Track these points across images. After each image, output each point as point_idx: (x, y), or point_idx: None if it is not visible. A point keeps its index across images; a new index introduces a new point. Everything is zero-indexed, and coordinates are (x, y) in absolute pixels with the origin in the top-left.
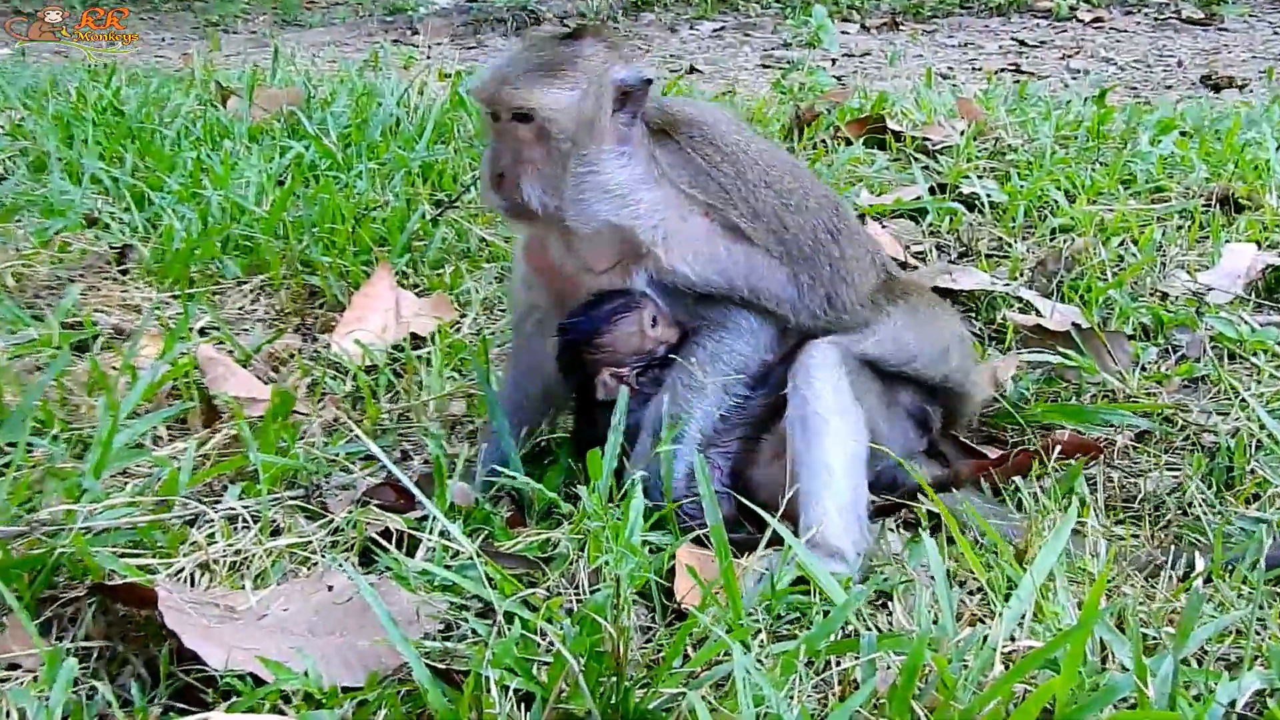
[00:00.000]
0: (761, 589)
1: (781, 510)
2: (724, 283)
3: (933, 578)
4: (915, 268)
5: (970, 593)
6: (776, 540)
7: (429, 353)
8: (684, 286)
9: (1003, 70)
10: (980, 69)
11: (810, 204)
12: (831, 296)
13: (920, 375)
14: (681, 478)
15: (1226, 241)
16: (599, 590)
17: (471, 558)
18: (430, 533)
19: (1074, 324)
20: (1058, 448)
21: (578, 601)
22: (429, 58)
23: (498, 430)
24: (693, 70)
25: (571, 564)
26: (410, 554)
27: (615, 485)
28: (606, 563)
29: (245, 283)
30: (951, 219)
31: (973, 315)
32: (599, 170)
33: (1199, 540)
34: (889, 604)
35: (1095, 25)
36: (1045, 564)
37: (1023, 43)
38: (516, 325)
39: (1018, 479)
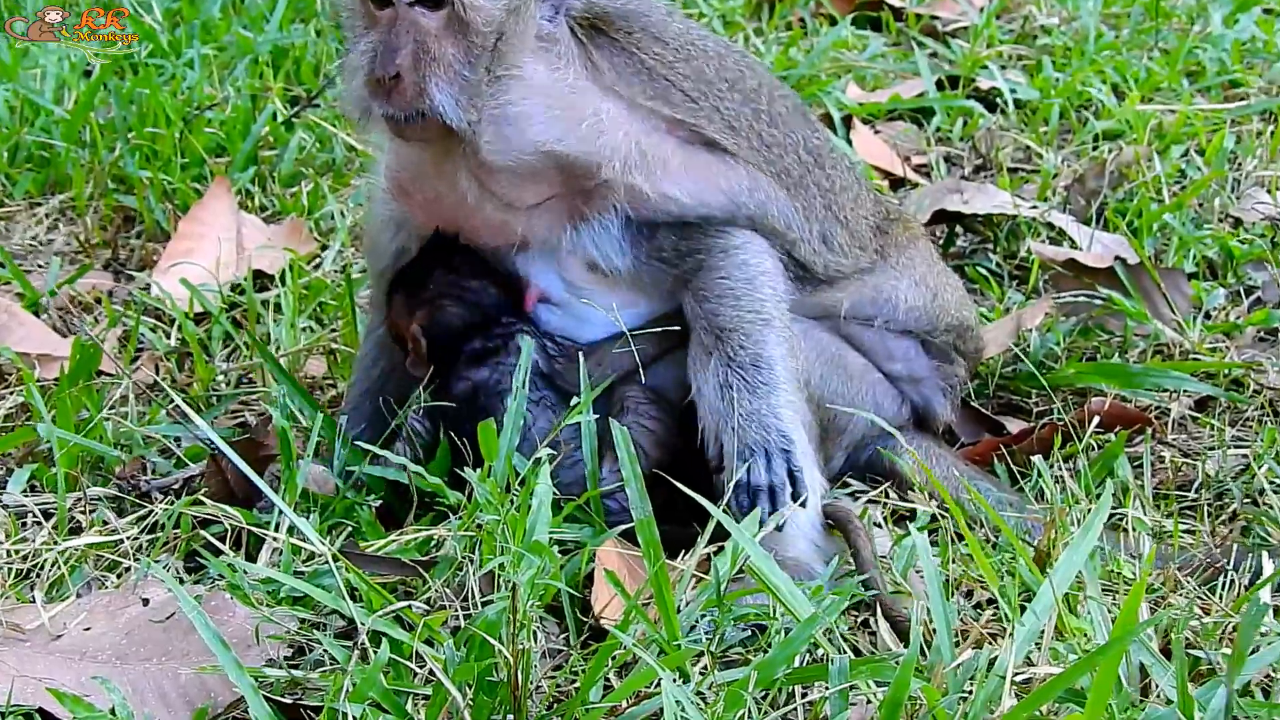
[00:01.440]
0: (705, 600)
1: (725, 501)
2: (727, 202)
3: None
4: (915, 185)
5: (978, 605)
6: (721, 536)
7: (278, 296)
8: (672, 218)
9: None
10: None
11: (781, 111)
12: (826, 236)
13: (917, 333)
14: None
15: None
16: (492, 603)
17: (328, 562)
18: (276, 530)
19: (1119, 258)
20: (1094, 419)
21: (465, 617)
22: None
23: (364, 396)
24: None
25: (459, 569)
26: (250, 558)
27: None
28: (502, 567)
29: (39, 204)
30: (965, 122)
31: (988, 246)
32: (526, 78)
33: (1269, 538)
34: (871, 621)
35: None
36: (1070, 567)
37: None
38: (379, 278)
39: (1039, 459)
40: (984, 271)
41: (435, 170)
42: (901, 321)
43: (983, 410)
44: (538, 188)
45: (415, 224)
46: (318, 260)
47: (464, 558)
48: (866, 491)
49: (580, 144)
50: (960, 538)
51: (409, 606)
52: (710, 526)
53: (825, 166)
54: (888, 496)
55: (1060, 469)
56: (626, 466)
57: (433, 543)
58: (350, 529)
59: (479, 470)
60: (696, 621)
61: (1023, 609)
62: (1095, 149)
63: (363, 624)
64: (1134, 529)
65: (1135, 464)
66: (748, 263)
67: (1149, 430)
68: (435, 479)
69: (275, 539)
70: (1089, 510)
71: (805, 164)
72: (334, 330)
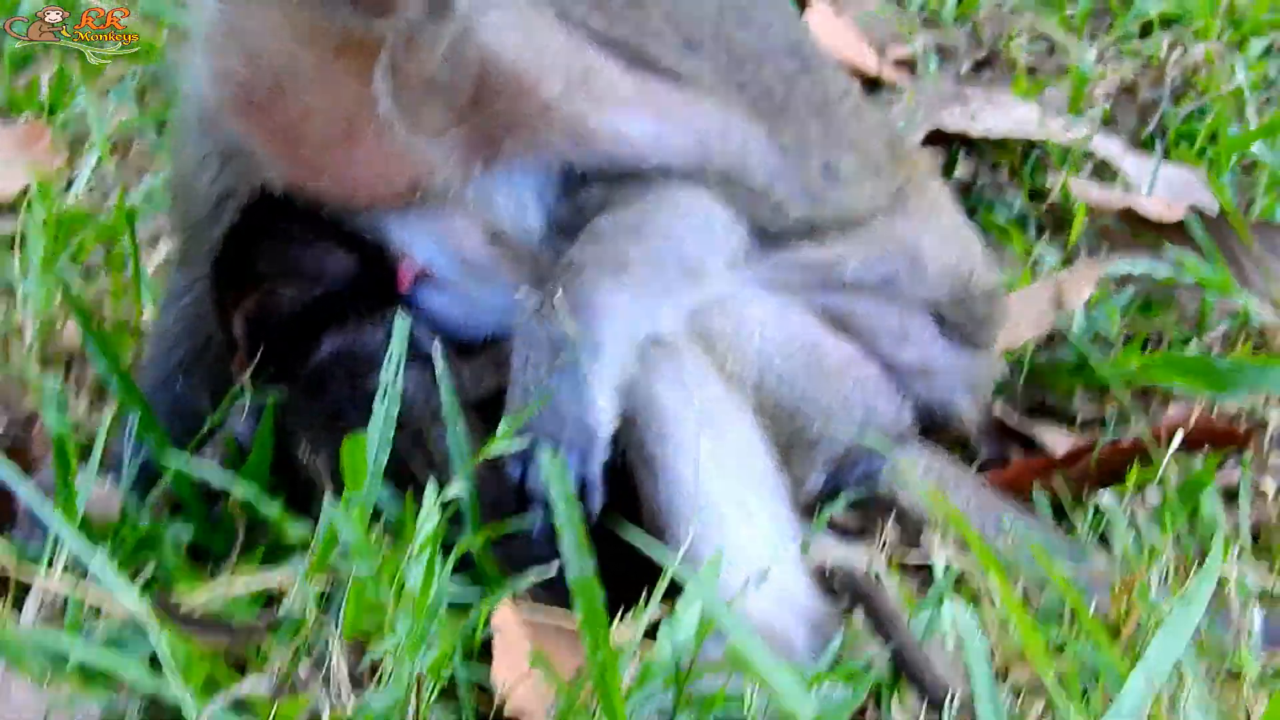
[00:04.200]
0: (657, 682)
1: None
2: (694, 146)
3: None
4: (896, 90)
5: (1018, 694)
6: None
7: (18, 230)
8: (615, 167)
9: None
10: None
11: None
12: (830, 164)
13: (941, 307)
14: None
15: None
16: (379, 692)
17: (134, 620)
18: (49, 568)
19: (1193, 208)
20: (1175, 436)
21: (332, 706)
22: None
23: (161, 385)
24: None
25: (312, 636)
26: (16, 606)
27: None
28: (396, 648)
29: None
30: None
31: (1005, 180)
32: None
33: None
34: (879, 711)
35: None
36: (1166, 656)
37: None
38: (193, 230)
39: (1108, 496)
40: (1000, 217)
41: (325, 70)
42: (929, 288)
43: (1006, 417)
44: (446, 111)
45: (255, 158)
46: (69, 181)
47: (319, 620)
48: (854, 530)
49: (518, 51)
50: (988, 597)
51: (250, 691)
52: (662, 584)
53: (813, 69)
54: (882, 534)
55: (1128, 504)
56: (561, 508)
57: (273, 596)
58: (151, 572)
59: (342, 499)
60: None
61: (1084, 698)
62: (1145, 40)
63: (192, 713)
64: (1236, 592)
65: (1229, 497)
66: (650, 214)
67: (1247, 449)
68: (273, 508)
69: (46, 582)
70: (1172, 565)
71: (789, 75)
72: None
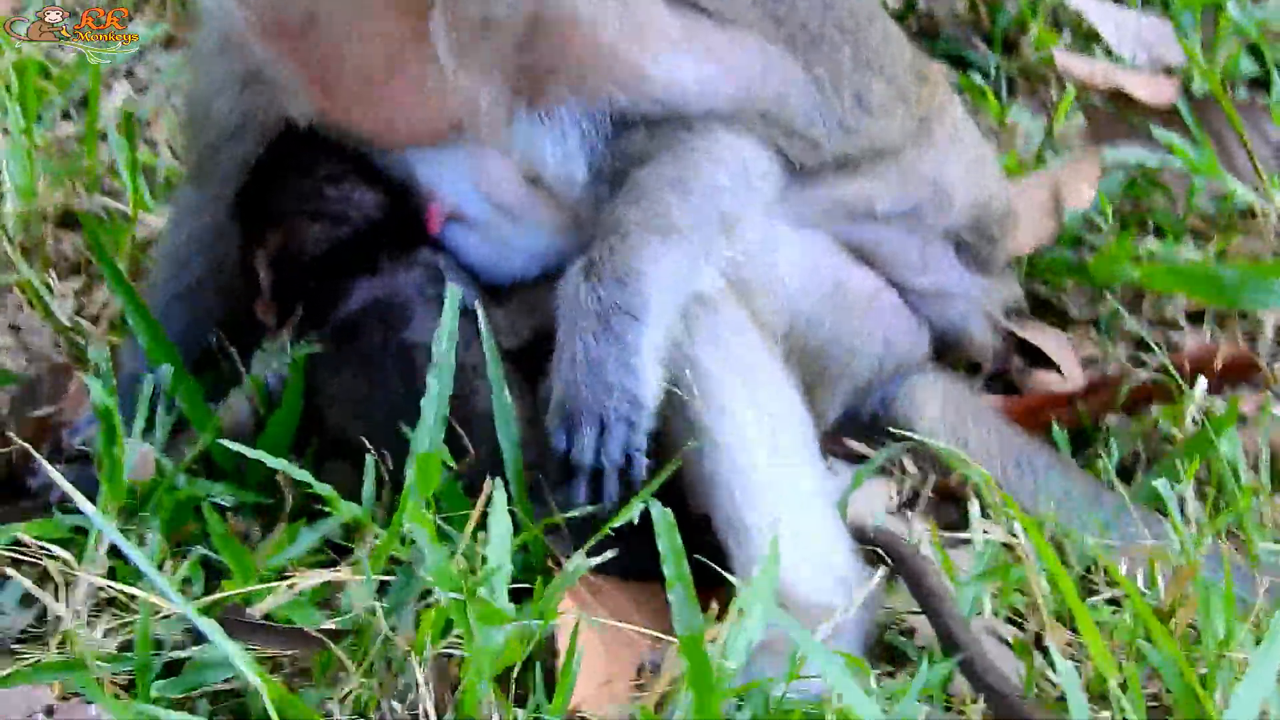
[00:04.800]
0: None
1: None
2: (738, 91)
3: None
4: None
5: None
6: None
7: None
8: (664, 112)
9: None
10: None
11: None
12: (861, 94)
13: (961, 234)
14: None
15: None
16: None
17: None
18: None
19: (1187, 93)
20: (1205, 372)
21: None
22: None
23: (172, 302)
24: None
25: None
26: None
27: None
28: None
29: None
30: None
31: (973, 36)
32: None
33: None
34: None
35: None
36: (1257, 693)
37: None
38: (209, 150)
39: (1163, 485)
40: (975, 78)
41: None
42: (952, 218)
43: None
44: (496, 49)
45: (281, 86)
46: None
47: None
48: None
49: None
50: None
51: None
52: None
53: None
54: (904, 469)
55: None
56: (669, 554)
57: (332, 594)
58: (193, 546)
59: (403, 494)
60: None
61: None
62: None
63: None
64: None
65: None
66: (695, 166)
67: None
68: (325, 486)
69: (91, 575)
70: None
71: (823, 2)
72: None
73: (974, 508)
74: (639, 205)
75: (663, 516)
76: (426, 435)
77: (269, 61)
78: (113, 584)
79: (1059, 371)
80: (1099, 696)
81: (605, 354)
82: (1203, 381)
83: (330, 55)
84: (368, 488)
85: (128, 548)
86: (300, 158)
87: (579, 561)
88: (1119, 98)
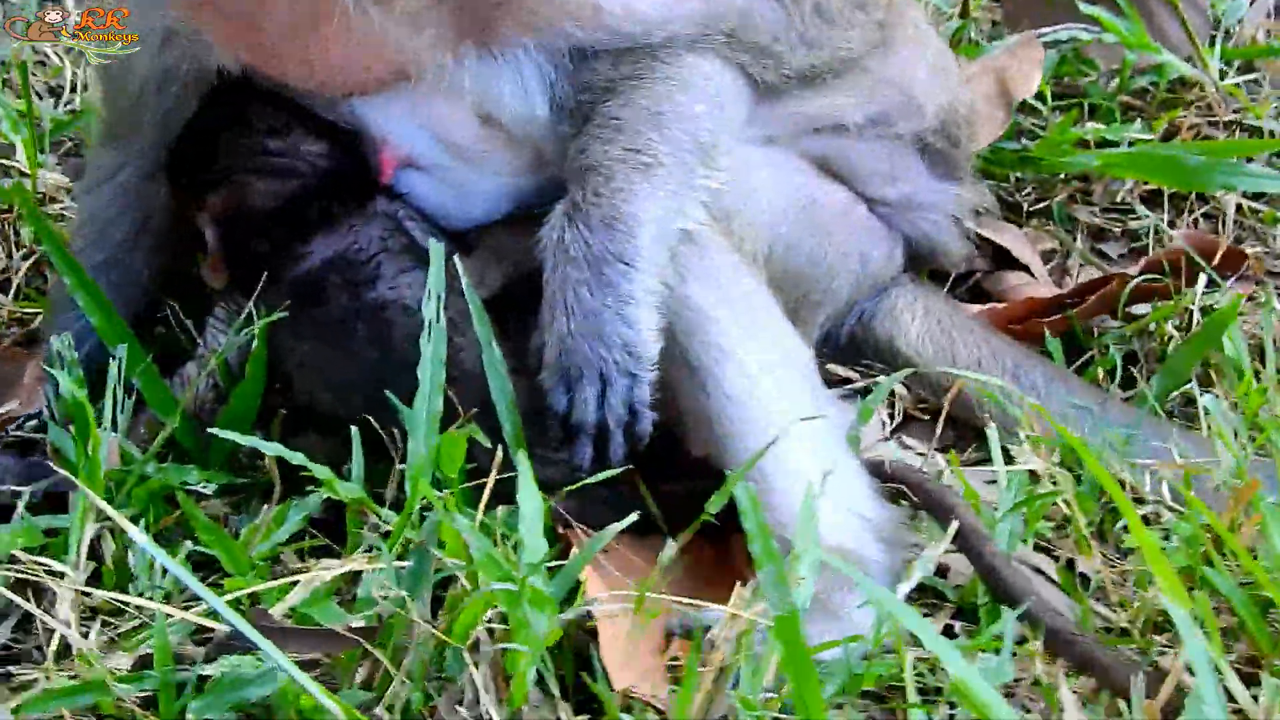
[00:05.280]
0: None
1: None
2: (698, 13)
3: None
4: None
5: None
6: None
7: None
8: (624, 42)
9: None
10: None
11: None
12: (820, 3)
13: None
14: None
15: None
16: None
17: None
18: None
19: None
20: (1187, 263)
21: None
22: None
23: (101, 268)
24: None
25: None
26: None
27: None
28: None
29: None
30: None
31: None
32: None
33: None
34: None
35: None
36: None
37: None
38: (129, 108)
39: (1211, 401)
40: None
41: None
42: (920, 123)
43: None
44: None
45: (202, 40)
46: None
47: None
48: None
49: None
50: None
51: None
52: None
53: None
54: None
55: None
56: (756, 532)
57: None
58: (173, 539)
59: (412, 473)
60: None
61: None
62: None
63: None
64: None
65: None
66: (667, 93)
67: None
68: (323, 470)
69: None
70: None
71: None
72: None
73: (992, 432)
74: (616, 142)
75: (746, 493)
76: (424, 404)
77: (187, 18)
78: (121, 596)
79: (1027, 271)
80: (1155, 628)
81: (600, 305)
82: (1203, 277)
83: (248, 10)
84: (357, 465)
85: (163, 556)
86: (238, 111)
87: (610, 529)
88: None
